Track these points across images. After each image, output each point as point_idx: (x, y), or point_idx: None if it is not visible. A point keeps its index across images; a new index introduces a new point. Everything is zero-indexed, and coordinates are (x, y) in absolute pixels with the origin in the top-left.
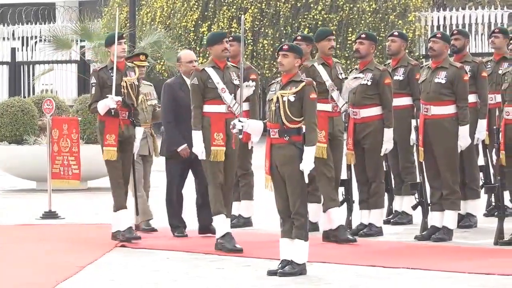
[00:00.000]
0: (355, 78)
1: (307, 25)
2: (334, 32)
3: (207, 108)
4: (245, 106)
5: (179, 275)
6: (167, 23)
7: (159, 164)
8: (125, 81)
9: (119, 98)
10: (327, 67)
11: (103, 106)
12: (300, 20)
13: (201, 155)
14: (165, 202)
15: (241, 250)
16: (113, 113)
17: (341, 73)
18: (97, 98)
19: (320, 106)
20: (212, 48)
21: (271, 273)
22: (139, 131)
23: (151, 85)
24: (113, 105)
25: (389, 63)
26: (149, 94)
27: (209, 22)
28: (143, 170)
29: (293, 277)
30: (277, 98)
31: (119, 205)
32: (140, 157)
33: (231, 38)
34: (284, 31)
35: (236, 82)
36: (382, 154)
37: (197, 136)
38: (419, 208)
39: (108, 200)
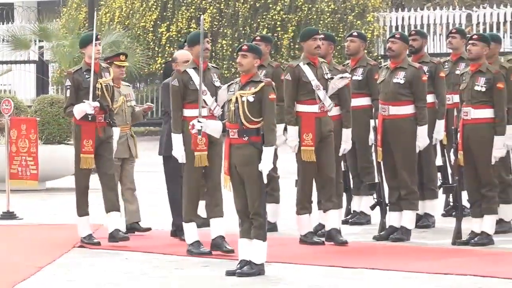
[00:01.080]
0: (342, 78)
1: (266, 25)
2: (319, 32)
3: (187, 112)
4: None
5: (137, 276)
6: (126, 24)
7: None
8: (100, 83)
9: (97, 104)
10: (312, 67)
11: (79, 111)
12: (259, 20)
13: (181, 159)
14: (168, 203)
15: (233, 250)
16: (90, 119)
17: (327, 73)
18: (72, 101)
19: (307, 108)
20: (193, 48)
21: (230, 273)
22: (116, 132)
23: (129, 86)
24: (90, 111)
25: (348, 64)
26: (129, 95)
27: (168, 23)
28: (126, 173)
29: (252, 277)
30: (236, 98)
31: (82, 212)
32: (119, 160)
33: None
34: (243, 32)
35: (217, 83)
36: (340, 154)
37: (177, 139)
38: (378, 208)
39: (67, 201)
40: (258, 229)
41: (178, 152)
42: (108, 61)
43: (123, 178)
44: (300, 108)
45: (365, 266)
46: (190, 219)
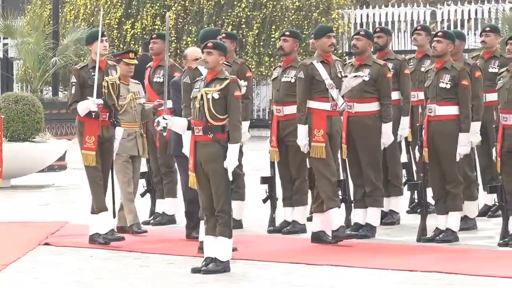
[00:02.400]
0: (355, 76)
1: (231, 22)
2: (333, 29)
3: None
4: (170, 104)
5: (102, 273)
6: (91, 21)
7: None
8: (107, 81)
9: (101, 101)
10: (326, 65)
11: (83, 108)
12: (223, 17)
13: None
14: (183, 202)
15: (235, 248)
16: (93, 116)
17: (341, 71)
18: (77, 98)
19: (319, 105)
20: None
21: (195, 270)
22: (119, 132)
23: (139, 84)
24: (94, 108)
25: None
26: (138, 92)
27: (132, 20)
28: (135, 171)
29: (217, 275)
30: (202, 95)
31: (100, 207)
32: (128, 157)
33: (155, 36)
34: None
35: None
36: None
37: (187, 137)
38: (343, 205)
39: (32, 198)
40: (224, 226)
41: (187, 150)
42: (117, 58)
43: (134, 175)
44: (312, 104)
45: (329, 263)
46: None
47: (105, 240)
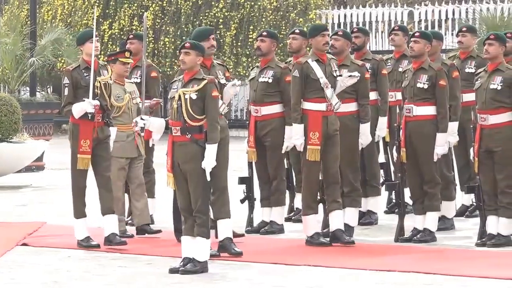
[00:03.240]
0: (350, 76)
1: (208, 23)
2: (328, 28)
3: None
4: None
5: (79, 274)
6: (68, 21)
7: None
8: (99, 81)
9: (97, 102)
10: (321, 64)
11: (79, 109)
12: (201, 18)
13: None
14: (172, 206)
15: (241, 253)
16: (90, 118)
17: (336, 70)
18: (70, 99)
19: (315, 106)
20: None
21: (173, 271)
22: (113, 132)
23: (133, 83)
24: (91, 110)
25: (290, 61)
26: (133, 92)
27: (110, 20)
28: (135, 171)
29: (195, 275)
30: (179, 96)
31: (79, 213)
32: (127, 160)
33: (132, 36)
34: (185, 29)
35: (223, 81)
36: (283, 151)
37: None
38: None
39: (10, 199)
40: (201, 226)
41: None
42: (113, 57)
43: (132, 177)
44: (307, 106)
45: (307, 263)
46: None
47: (80, 245)
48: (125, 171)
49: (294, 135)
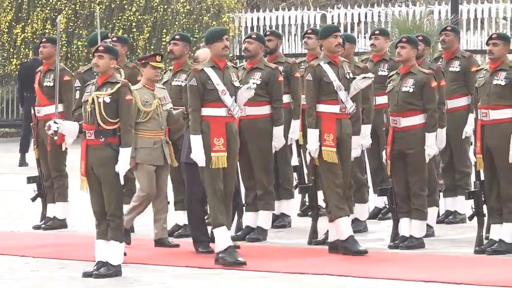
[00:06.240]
0: (364, 78)
1: (122, 26)
2: (340, 28)
3: (206, 111)
4: (60, 108)
5: None
6: None
7: None
8: None
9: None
10: (334, 66)
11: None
12: (114, 21)
13: (201, 162)
14: (186, 213)
15: (245, 263)
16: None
17: (349, 72)
18: (80, 103)
19: (328, 108)
20: (211, 46)
21: (86, 274)
22: None
23: (164, 89)
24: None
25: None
26: (164, 98)
27: (23, 24)
28: (161, 182)
29: (108, 279)
30: (93, 99)
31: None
32: (153, 167)
33: (44, 40)
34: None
35: (237, 83)
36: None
37: (196, 141)
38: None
39: None
40: (115, 230)
41: (198, 154)
42: (143, 61)
43: (158, 187)
44: (321, 108)
45: (222, 266)
46: (219, 223)
47: None
48: (153, 178)
49: (309, 141)
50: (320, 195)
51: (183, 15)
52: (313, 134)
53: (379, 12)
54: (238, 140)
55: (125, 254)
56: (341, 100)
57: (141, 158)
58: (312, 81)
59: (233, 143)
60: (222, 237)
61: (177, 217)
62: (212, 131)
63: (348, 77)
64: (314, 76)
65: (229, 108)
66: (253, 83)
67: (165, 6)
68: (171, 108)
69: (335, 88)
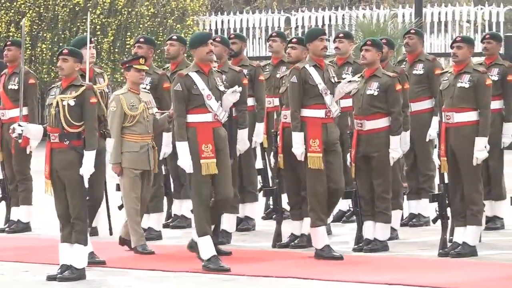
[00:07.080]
0: (350, 81)
1: (86, 29)
2: (325, 32)
3: (192, 117)
4: (25, 111)
5: None
6: None
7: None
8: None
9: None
10: (319, 69)
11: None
12: (78, 24)
13: (189, 169)
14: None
15: (229, 269)
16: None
17: (334, 76)
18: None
19: (313, 113)
20: (196, 51)
21: (51, 278)
22: (109, 143)
23: (149, 93)
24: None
25: (167, 67)
26: (149, 102)
27: None
28: (147, 187)
29: (73, 282)
30: (57, 102)
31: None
32: (139, 172)
33: (9, 43)
34: (63, 36)
35: (222, 88)
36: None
37: (183, 148)
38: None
39: None
40: (79, 233)
41: (185, 161)
42: (127, 65)
43: (144, 192)
44: (306, 113)
45: (185, 269)
46: (204, 232)
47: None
48: (139, 182)
49: (294, 144)
50: (284, 198)
51: (148, 18)
52: (298, 137)
53: (343, 15)
54: (227, 144)
55: (104, 262)
56: (327, 104)
57: (127, 163)
58: (297, 83)
59: (223, 148)
60: (206, 246)
61: (174, 207)
62: (200, 138)
63: (333, 81)
64: (299, 79)
65: (215, 112)
66: (239, 86)
67: (130, 9)
68: (156, 112)
69: (320, 91)
